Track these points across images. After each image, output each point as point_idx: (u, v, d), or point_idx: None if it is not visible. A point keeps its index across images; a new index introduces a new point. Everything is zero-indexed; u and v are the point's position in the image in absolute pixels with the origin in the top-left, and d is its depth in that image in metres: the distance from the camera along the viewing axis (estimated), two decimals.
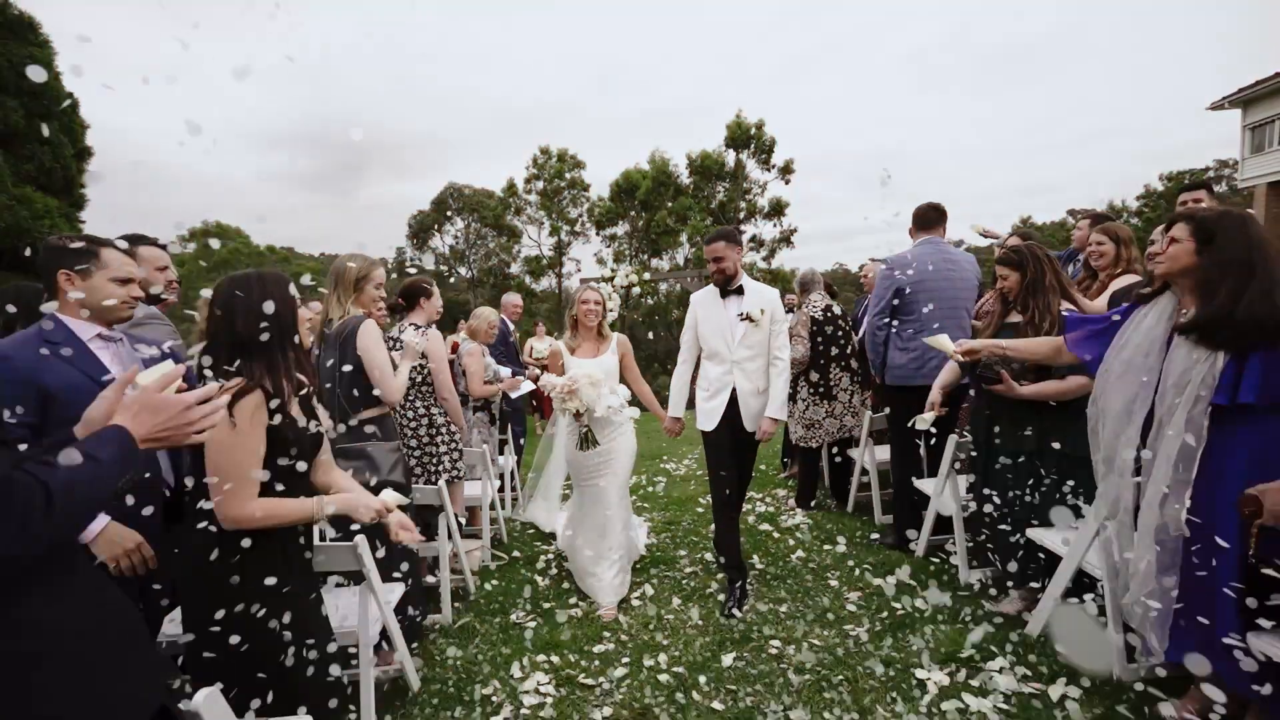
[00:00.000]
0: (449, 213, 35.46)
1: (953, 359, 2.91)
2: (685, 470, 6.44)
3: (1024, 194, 70.34)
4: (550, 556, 4.07)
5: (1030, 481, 2.78)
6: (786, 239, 24.45)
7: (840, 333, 4.51)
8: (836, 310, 4.55)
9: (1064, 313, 2.75)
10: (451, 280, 35.89)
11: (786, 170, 23.88)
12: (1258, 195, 22.55)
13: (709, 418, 3.33)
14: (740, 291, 3.28)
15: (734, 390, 3.26)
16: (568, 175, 29.51)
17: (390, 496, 2.05)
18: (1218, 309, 1.92)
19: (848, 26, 76.56)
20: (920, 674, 2.50)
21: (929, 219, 3.74)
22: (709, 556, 3.92)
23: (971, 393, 3.27)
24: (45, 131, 15.96)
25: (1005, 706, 2.26)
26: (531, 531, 4.66)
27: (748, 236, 24.73)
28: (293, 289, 1.84)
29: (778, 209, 24.14)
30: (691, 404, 3.51)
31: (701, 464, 6.31)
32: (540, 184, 30.38)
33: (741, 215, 24.32)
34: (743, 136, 23.59)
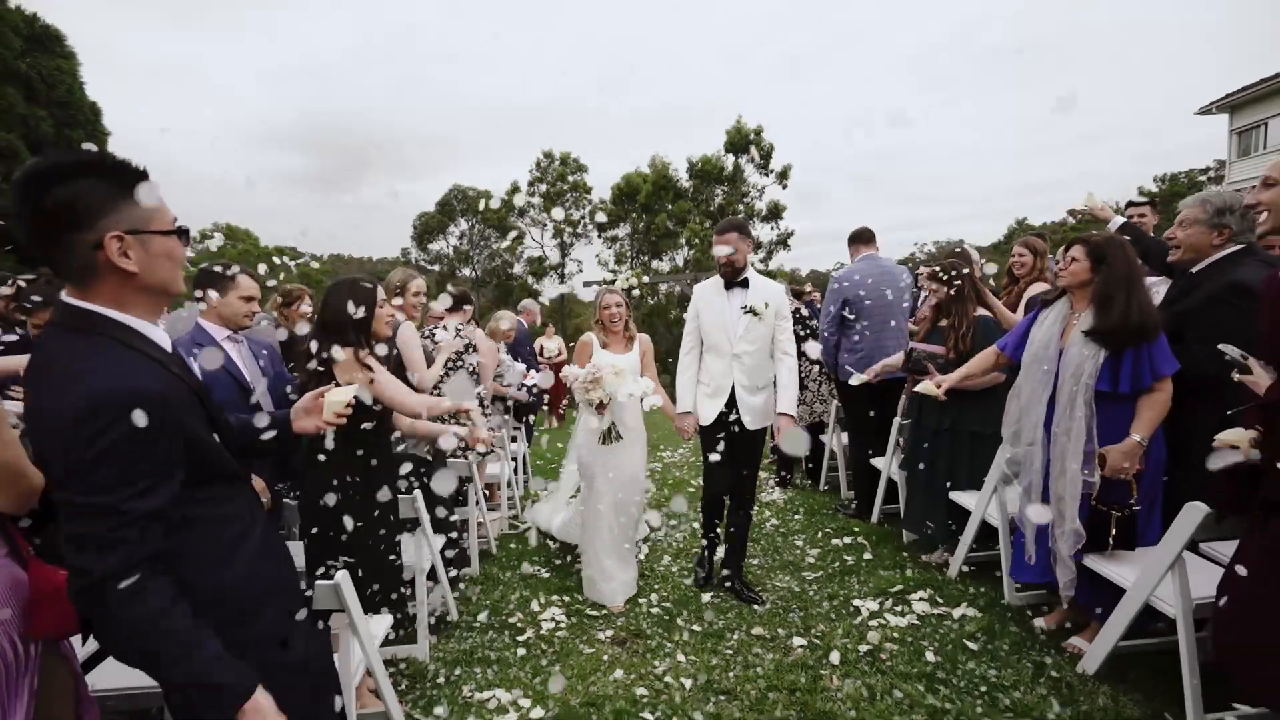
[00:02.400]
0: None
1: (938, 398, 3.14)
2: (679, 458, 7.09)
3: (1023, 194, 70.66)
4: None
5: (946, 453, 3.43)
6: (784, 241, 25.16)
7: (807, 331, 5.15)
8: (804, 311, 5.20)
9: (979, 315, 3.40)
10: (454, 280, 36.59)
11: (784, 175, 24.59)
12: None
13: (707, 415, 3.32)
14: (745, 284, 3.27)
15: (733, 387, 3.25)
16: (570, 178, 30.22)
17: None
18: (1117, 319, 2.44)
19: (849, 26, 77.14)
20: (857, 603, 3.15)
21: (865, 237, 4.40)
22: (695, 525, 4.56)
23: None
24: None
25: (917, 623, 2.92)
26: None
27: None
28: (379, 293, 2.51)
29: (775, 212, 24.87)
30: None
31: (695, 452, 6.95)
32: (543, 187, 31.08)
33: (740, 218, 25.04)
34: (742, 141, 24.30)
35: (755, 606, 3.24)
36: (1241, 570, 1.77)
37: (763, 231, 25.06)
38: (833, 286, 4.37)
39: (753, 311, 3.18)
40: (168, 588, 1.12)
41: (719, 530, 3.56)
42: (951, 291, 3.46)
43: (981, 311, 3.44)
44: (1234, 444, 1.84)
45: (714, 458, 3.31)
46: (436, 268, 37.28)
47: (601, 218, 28.07)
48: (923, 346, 3.55)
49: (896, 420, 3.90)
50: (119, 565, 1.06)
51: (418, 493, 2.88)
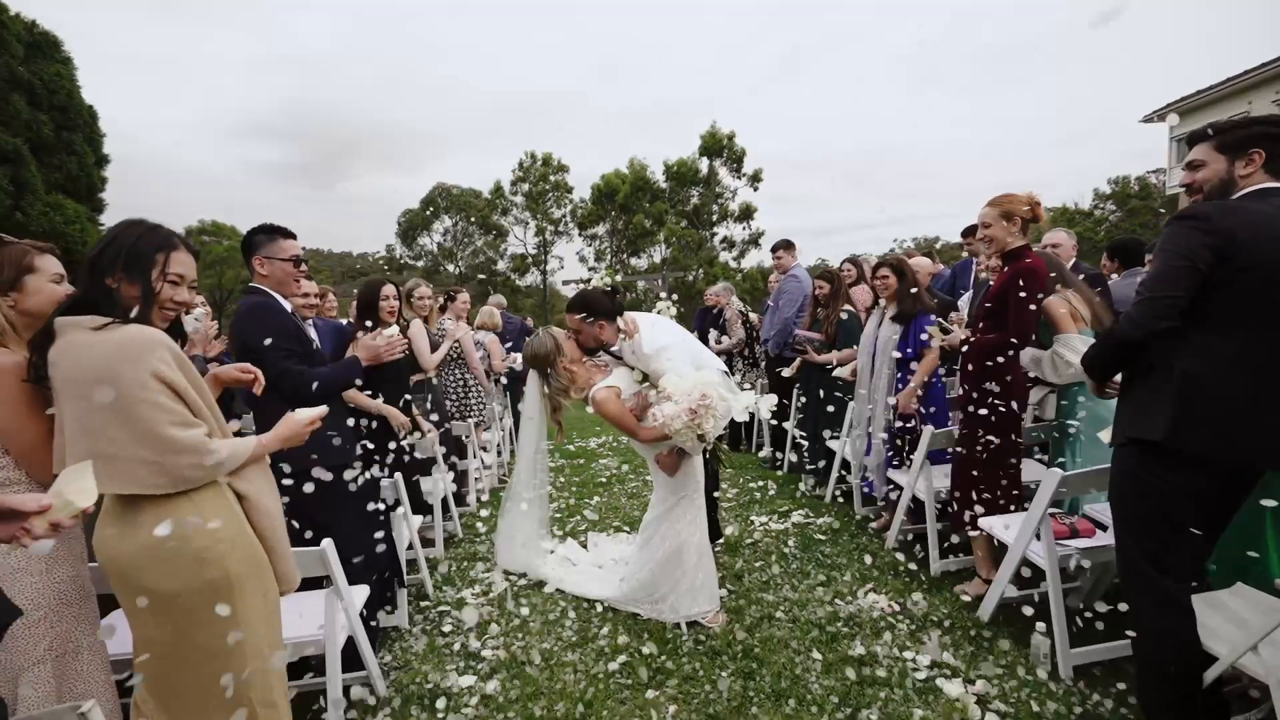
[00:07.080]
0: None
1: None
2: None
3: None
4: None
5: (825, 413, 4.66)
6: (755, 240, 26.49)
7: (749, 322, 6.39)
8: (746, 309, 6.46)
9: (844, 311, 4.63)
10: (439, 274, 37.43)
11: (755, 178, 25.90)
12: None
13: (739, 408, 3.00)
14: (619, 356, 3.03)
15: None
16: (552, 178, 31.23)
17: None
18: (910, 308, 3.72)
19: (842, 24, 78.43)
20: (753, 518, 4.36)
21: (791, 245, 5.61)
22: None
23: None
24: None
25: (790, 527, 4.14)
26: None
27: (719, 238, 26.64)
28: (384, 289, 3.62)
29: (747, 213, 26.17)
30: None
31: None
32: (526, 186, 32.05)
33: (714, 218, 26.28)
34: (716, 146, 25.51)
35: None
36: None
37: (735, 231, 26.45)
38: (802, 282, 5.42)
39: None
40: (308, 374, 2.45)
41: None
42: (830, 291, 4.70)
43: (847, 308, 4.67)
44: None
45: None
46: (421, 263, 38.05)
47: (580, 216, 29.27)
48: (802, 333, 4.77)
49: (795, 389, 5.12)
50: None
51: (398, 476, 3.11)
